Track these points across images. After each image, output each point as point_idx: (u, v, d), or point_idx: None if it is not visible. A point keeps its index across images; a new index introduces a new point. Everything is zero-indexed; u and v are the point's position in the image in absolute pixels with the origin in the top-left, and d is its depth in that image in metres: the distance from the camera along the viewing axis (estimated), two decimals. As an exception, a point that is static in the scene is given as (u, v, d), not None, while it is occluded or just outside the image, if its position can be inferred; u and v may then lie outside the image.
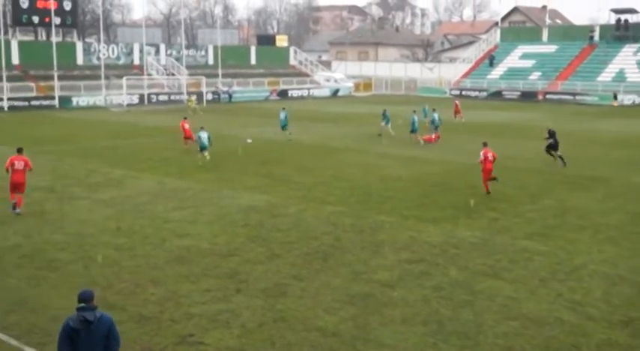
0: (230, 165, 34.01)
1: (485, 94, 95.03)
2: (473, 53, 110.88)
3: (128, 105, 72.06)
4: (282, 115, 47.62)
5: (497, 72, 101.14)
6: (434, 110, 49.46)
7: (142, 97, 76.21)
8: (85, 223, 22.03)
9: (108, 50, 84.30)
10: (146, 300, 15.10)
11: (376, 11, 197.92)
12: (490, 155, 27.16)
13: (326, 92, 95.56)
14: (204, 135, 35.12)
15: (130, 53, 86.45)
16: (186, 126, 39.93)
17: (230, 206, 24.53)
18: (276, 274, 16.94)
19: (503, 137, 46.33)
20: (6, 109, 67.14)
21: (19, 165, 23.28)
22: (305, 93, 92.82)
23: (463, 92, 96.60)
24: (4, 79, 68.92)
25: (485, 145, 27.77)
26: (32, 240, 20.04)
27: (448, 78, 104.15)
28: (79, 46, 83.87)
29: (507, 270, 17.59)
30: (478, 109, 71.59)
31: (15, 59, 77.11)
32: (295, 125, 49.92)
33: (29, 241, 19.96)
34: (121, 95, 72.40)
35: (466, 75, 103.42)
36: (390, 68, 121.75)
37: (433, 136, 44.70)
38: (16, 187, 23.19)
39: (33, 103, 69.67)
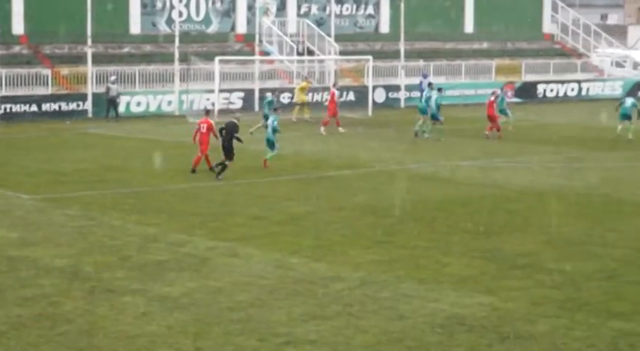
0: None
1: None
2: None
3: (223, 112, 45.48)
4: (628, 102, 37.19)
5: None
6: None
7: (249, 96, 49.19)
8: (133, 342, 14.36)
9: (189, 8, 53.36)
10: None
11: None
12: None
13: (615, 88, 60.26)
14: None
15: (229, 13, 55.36)
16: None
17: (417, 317, 15.69)
18: None
19: None
20: (-4, 118, 43.55)
21: (202, 127, 26.55)
22: (572, 90, 59.20)
23: None
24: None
25: None
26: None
27: None
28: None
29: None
30: None
31: (18, 26, 48.78)
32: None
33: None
34: (210, 94, 47.82)
35: None
36: None
37: None
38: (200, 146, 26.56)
39: (47, 107, 45.45)
